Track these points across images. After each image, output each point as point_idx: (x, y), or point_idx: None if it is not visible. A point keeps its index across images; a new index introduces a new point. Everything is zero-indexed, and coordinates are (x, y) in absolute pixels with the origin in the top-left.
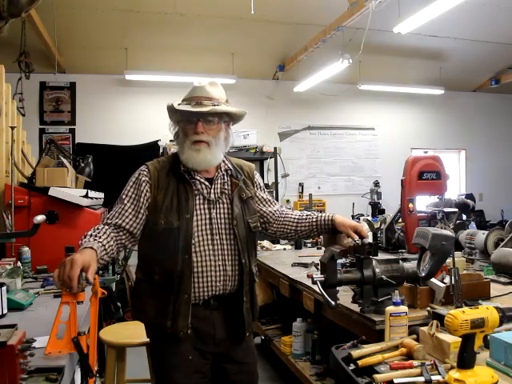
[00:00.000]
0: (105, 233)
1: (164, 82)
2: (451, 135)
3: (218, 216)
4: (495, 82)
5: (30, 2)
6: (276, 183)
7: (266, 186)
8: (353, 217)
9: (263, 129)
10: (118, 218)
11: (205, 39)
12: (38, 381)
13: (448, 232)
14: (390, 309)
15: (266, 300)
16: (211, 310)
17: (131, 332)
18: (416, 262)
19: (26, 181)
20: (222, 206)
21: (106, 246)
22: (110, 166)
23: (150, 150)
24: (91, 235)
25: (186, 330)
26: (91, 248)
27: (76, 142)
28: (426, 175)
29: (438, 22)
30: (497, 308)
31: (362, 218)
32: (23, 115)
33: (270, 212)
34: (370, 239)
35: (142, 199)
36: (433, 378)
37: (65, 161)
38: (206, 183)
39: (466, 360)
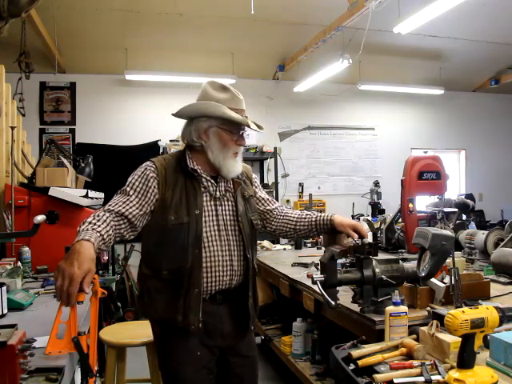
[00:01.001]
0: (104, 221)
1: (164, 82)
2: (451, 135)
3: (224, 213)
4: (495, 82)
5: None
6: (276, 183)
7: (266, 185)
8: (353, 217)
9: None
10: (122, 206)
11: (205, 39)
12: (37, 381)
13: (448, 232)
14: (390, 309)
15: (266, 300)
16: (218, 304)
17: (131, 332)
18: (416, 261)
19: (26, 181)
20: (227, 203)
21: (105, 236)
22: (110, 166)
23: (150, 150)
24: (90, 222)
25: (198, 323)
26: (88, 241)
27: (76, 142)
28: (426, 175)
29: (437, 22)
30: (497, 308)
31: (361, 217)
32: (23, 115)
33: (269, 210)
34: (369, 239)
35: (149, 194)
36: (433, 377)
37: (65, 161)
38: (212, 181)
39: (465, 360)
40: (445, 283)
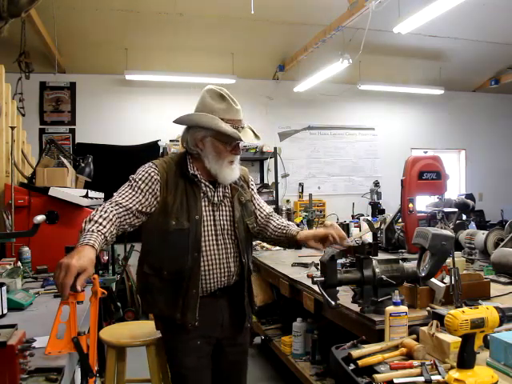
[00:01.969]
0: (110, 220)
1: (164, 82)
2: (451, 135)
3: (221, 218)
4: (495, 82)
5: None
6: (276, 183)
7: (266, 185)
8: (353, 217)
9: (263, 129)
10: (129, 201)
11: (205, 39)
12: (37, 381)
13: (448, 232)
14: (390, 309)
15: (266, 300)
16: (218, 298)
17: (131, 332)
18: (416, 261)
19: (25, 181)
20: (224, 208)
21: (108, 238)
22: (110, 166)
23: (150, 149)
24: (96, 222)
25: (194, 321)
26: (92, 247)
27: (76, 142)
28: (426, 175)
29: (438, 22)
30: (497, 308)
31: (361, 217)
32: (23, 115)
33: (260, 216)
34: (370, 239)
35: (151, 196)
36: (433, 377)
37: (65, 161)
38: (211, 186)
39: (466, 360)
40: (445, 283)
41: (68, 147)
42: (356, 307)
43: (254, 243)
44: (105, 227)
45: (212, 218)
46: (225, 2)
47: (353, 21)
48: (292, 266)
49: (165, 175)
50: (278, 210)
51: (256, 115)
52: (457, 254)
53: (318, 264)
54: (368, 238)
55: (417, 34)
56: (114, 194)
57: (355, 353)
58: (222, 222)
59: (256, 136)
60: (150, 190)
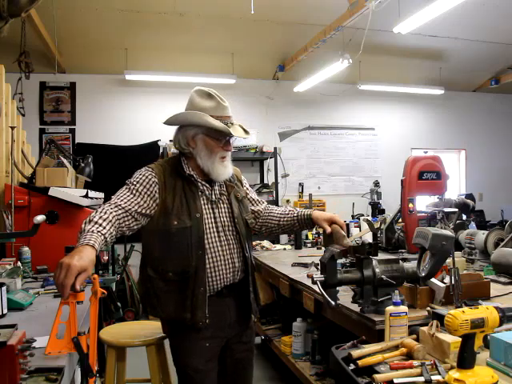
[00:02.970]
0: (110, 221)
1: (164, 82)
2: (451, 135)
3: (221, 215)
4: (495, 82)
5: (29, 2)
6: (276, 183)
7: (266, 185)
8: (353, 217)
9: (263, 129)
10: (128, 204)
11: (205, 39)
12: (37, 381)
13: (448, 232)
14: (390, 309)
15: (266, 300)
16: (224, 297)
17: (131, 332)
18: (416, 261)
19: (26, 181)
20: (222, 205)
21: (108, 239)
22: (110, 166)
23: (150, 149)
24: (96, 223)
25: (205, 320)
26: (92, 247)
27: (76, 142)
28: (426, 175)
29: (438, 22)
30: (497, 308)
31: (361, 217)
32: (23, 115)
33: (258, 210)
34: (370, 239)
35: (150, 199)
36: (433, 377)
37: (65, 161)
38: (207, 185)
39: (466, 360)
40: (445, 283)
41: (68, 147)
42: (356, 307)
43: (253, 243)
44: (104, 228)
45: (212, 215)
46: (225, 2)
47: (353, 21)
48: (292, 266)
49: (162, 177)
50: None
51: (256, 115)
52: (457, 254)
53: (318, 264)
54: (368, 238)
55: (417, 34)
56: (113, 197)
57: (355, 353)
58: (222, 219)
59: (246, 132)
60: (149, 193)
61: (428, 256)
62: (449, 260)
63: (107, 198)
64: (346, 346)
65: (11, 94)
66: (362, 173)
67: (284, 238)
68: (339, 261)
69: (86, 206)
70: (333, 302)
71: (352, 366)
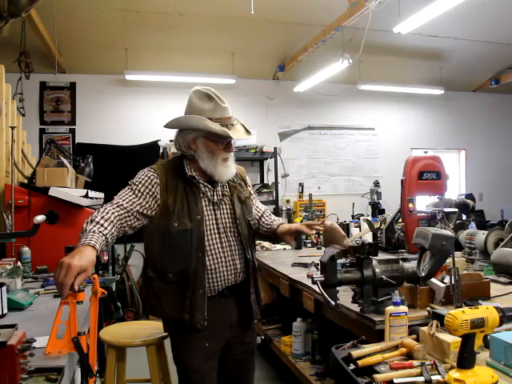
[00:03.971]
0: (111, 222)
1: (164, 82)
2: (451, 135)
3: (223, 216)
4: (495, 82)
5: (30, 2)
6: (276, 183)
7: (266, 185)
8: (353, 217)
9: (263, 129)
10: (130, 204)
11: (205, 39)
12: (37, 381)
13: (448, 232)
14: (390, 309)
15: (266, 300)
16: (226, 298)
17: (131, 332)
18: (416, 261)
19: (26, 181)
20: (224, 207)
21: (109, 239)
22: (110, 166)
23: (150, 149)
24: (97, 223)
25: (203, 321)
26: (93, 247)
27: (76, 142)
28: (426, 175)
29: (438, 22)
30: (497, 308)
31: (361, 217)
32: (23, 115)
33: (257, 215)
34: (370, 239)
35: (152, 199)
36: (433, 377)
37: (65, 161)
38: (209, 186)
39: (466, 360)
40: (445, 283)
41: (68, 147)
42: (356, 307)
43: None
44: (106, 228)
45: (213, 217)
46: (225, 2)
47: (353, 21)
48: (292, 266)
49: (164, 178)
50: (277, 210)
51: (256, 115)
52: (457, 254)
53: (318, 264)
54: (368, 238)
55: (417, 34)
56: (115, 196)
57: (355, 353)
58: (223, 221)
59: (247, 132)
60: (150, 193)
61: (428, 256)
62: (449, 260)
63: (107, 198)
64: (345, 346)
65: (11, 93)
66: (361, 173)
67: None
68: (339, 261)
69: (86, 206)
70: (333, 302)
71: (352, 366)
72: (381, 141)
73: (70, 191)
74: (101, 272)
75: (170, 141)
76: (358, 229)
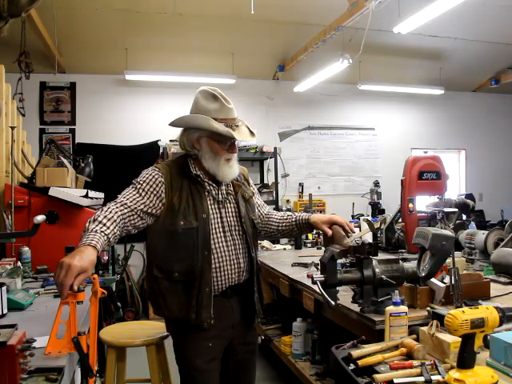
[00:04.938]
0: (114, 221)
1: (164, 82)
2: (451, 135)
3: (228, 215)
4: (495, 82)
5: (29, 2)
6: (276, 183)
7: (266, 185)
8: (353, 217)
9: (263, 129)
10: (134, 203)
11: (205, 39)
12: (37, 381)
13: (448, 232)
14: (390, 309)
15: (266, 300)
16: (229, 298)
17: (131, 332)
18: (416, 261)
19: (26, 181)
20: (229, 205)
21: (111, 239)
22: (110, 166)
23: (150, 149)
24: (100, 222)
25: (210, 320)
26: (94, 247)
27: (76, 142)
28: (426, 175)
29: (437, 22)
30: (497, 308)
31: (361, 217)
32: (23, 115)
33: (261, 214)
34: (370, 239)
35: (157, 199)
36: (433, 377)
37: (65, 161)
38: (214, 185)
39: (466, 360)
40: (445, 283)
41: (68, 147)
42: (356, 307)
43: None
44: (108, 228)
45: (219, 215)
46: (225, 2)
47: (353, 21)
48: (292, 266)
49: (168, 177)
50: (277, 210)
51: (256, 115)
52: (457, 254)
53: (318, 264)
54: (368, 237)
55: (417, 34)
56: (119, 195)
57: (355, 353)
58: (228, 219)
59: (252, 134)
60: (155, 192)
61: (428, 256)
62: (449, 260)
63: (107, 198)
64: (345, 346)
65: (11, 93)
66: (361, 173)
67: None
68: (339, 261)
69: (86, 206)
70: (333, 302)
71: (352, 366)
72: (381, 141)
73: (70, 191)
74: (101, 272)
75: (170, 141)
76: (358, 229)
